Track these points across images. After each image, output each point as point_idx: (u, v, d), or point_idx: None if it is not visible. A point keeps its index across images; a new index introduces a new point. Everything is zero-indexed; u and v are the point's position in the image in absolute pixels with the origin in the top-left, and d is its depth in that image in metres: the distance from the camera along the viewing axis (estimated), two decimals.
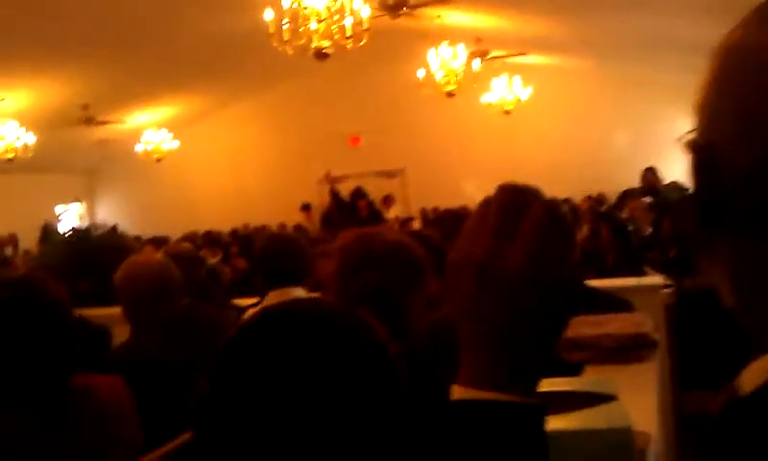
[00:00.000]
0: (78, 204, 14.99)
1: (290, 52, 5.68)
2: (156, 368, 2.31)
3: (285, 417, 0.79)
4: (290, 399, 0.80)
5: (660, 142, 9.50)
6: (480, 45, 9.62)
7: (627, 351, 2.18)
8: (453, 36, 8.93)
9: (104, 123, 11.35)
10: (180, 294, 2.71)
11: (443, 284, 1.31)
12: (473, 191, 10.64)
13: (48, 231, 10.00)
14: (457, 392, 0.58)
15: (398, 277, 1.74)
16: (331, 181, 10.68)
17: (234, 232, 11.12)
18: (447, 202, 10.55)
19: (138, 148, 12.57)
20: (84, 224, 13.54)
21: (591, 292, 2.84)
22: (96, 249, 4.98)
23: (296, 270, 3.12)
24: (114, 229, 6.45)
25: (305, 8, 5.36)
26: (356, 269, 1.74)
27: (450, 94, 9.15)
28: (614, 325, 2.28)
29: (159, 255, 2.92)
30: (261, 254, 3.36)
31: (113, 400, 1.83)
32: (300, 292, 3.03)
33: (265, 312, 0.91)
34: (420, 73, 9.17)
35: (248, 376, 0.82)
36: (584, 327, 2.22)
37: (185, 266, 3.09)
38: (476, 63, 9.23)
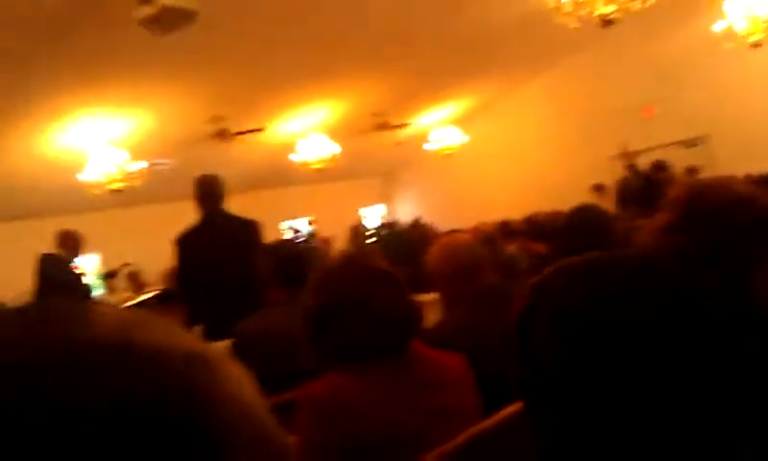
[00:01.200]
0: (380, 205, 16.19)
1: (573, 24, 5.49)
2: (467, 341, 2.37)
3: None
4: None
5: None
6: None
7: None
8: None
9: (395, 127, 12.11)
10: (488, 270, 2.75)
11: None
12: None
13: (357, 232, 10.93)
14: None
15: (740, 235, 1.43)
16: (627, 156, 10.05)
17: (528, 220, 11.09)
18: (763, 167, 9.34)
19: (428, 147, 13.21)
20: (388, 220, 14.52)
21: None
22: (403, 240, 5.29)
23: (602, 243, 2.97)
24: (417, 220, 6.81)
25: None
26: (685, 225, 1.49)
27: (756, 44, 8.11)
28: None
29: (466, 236, 2.99)
30: (565, 230, 3.25)
31: (451, 370, 1.91)
32: None
33: None
34: (718, 26, 8.28)
35: None
36: None
37: (490, 246, 3.13)
38: None
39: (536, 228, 9.41)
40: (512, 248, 8.52)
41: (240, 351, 2.50)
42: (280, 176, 12.30)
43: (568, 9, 5.37)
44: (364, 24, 7.98)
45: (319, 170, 11.03)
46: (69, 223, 6.31)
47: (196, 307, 4.12)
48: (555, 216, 10.37)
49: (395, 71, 10.05)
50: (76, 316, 0.38)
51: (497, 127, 14.17)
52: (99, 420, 0.32)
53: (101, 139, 8.61)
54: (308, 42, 7.99)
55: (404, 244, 4.93)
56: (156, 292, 6.31)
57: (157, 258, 6.93)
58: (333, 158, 11.03)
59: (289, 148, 11.05)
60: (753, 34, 8.06)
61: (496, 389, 1.98)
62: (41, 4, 5.48)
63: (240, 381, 0.39)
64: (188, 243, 4.25)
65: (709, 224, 1.46)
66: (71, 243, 5.93)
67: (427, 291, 2.94)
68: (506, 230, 9.45)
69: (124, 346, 0.36)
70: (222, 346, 2.33)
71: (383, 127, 11.80)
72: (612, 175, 11.03)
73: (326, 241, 11.44)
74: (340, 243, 11.14)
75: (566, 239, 3.25)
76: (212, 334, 3.02)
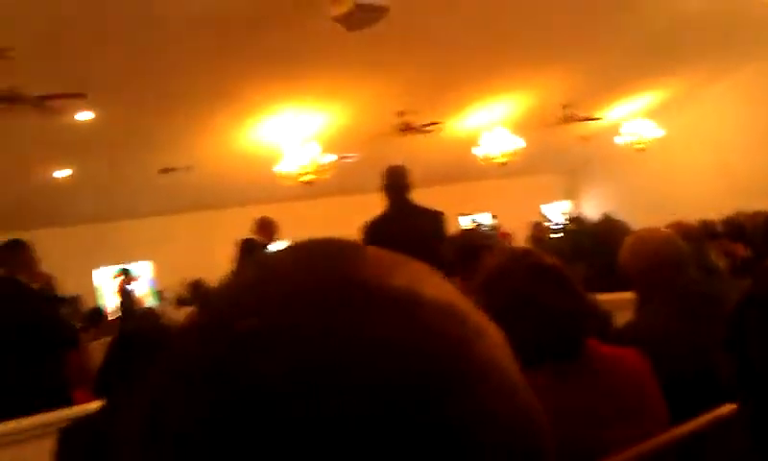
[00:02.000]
0: (563, 202, 15.71)
1: None
2: (666, 341, 2.20)
3: None
4: None
5: None
6: None
7: None
8: None
9: (584, 119, 11.66)
10: (688, 266, 2.54)
11: None
12: None
13: (539, 227, 10.68)
14: None
15: None
16: None
17: (727, 221, 10.24)
18: None
19: (619, 141, 12.58)
20: (575, 214, 14.08)
21: None
22: (592, 235, 5.07)
23: None
24: (607, 215, 6.49)
25: None
26: None
27: None
28: None
29: (667, 231, 2.78)
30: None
31: (632, 369, 1.78)
32: None
33: None
34: None
35: None
36: None
37: (694, 244, 2.89)
38: None
39: (736, 229, 8.68)
40: (712, 249, 7.91)
41: None
42: (462, 170, 12.31)
43: None
44: (548, 16, 7.75)
45: (501, 165, 10.89)
46: (263, 212, 6.73)
47: None
48: (755, 217, 9.50)
49: (582, 63, 9.68)
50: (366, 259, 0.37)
51: (695, 120, 13.19)
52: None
53: (295, 133, 9.11)
54: (491, 38, 7.93)
55: (594, 239, 4.71)
56: None
57: None
58: (516, 153, 10.84)
59: (472, 142, 11.02)
60: None
61: (691, 394, 1.82)
62: (239, 3, 5.88)
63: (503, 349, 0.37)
64: (376, 231, 4.35)
65: None
66: (267, 229, 6.32)
67: (620, 289, 2.78)
68: (707, 231, 8.80)
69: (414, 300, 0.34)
70: None
71: (571, 119, 11.41)
72: None
73: (507, 236, 11.29)
74: (520, 239, 10.96)
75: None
76: None
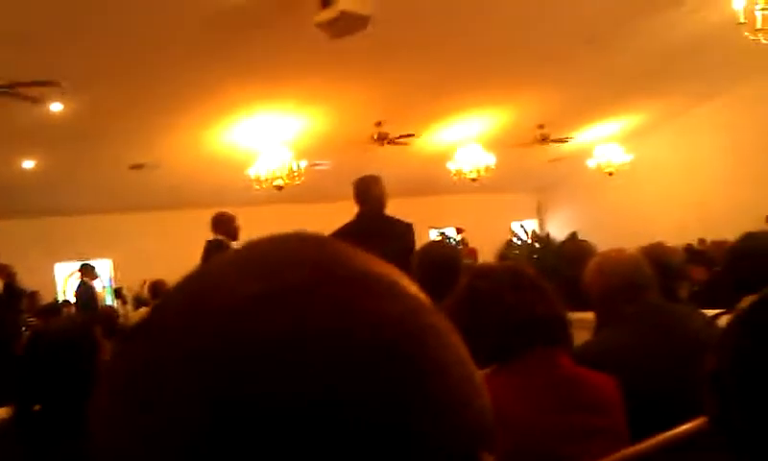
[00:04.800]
0: (531, 220, 15.85)
1: (764, 40, 5.06)
2: (624, 364, 2.21)
3: None
4: None
5: None
6: None
7: None
8: None
9: (556, 141, 11.80)
10: (651, 290, 2.57)
11: None
12: None
13: (508, 245, 10.77)
14: None
15: None
16: None
17: (688, 248, 10.43)
18: None
19: (590, 163, 12.76)
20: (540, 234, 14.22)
21: None
22: (558, 254, 5.11)
23: None
24: (574, 235, 6.57)
25: None
26: None
27: None
28: None
29: (632, 251, 2.81)
30: (733, 258, 2.97)
31: (602, 391, 1.80)
32: None
33: None
34: None
35: None
36: None
37: (656, 265, 2.92)
38: None
39: (697, 254, 8.84)
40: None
41: None
42: (432, 184, 12.36)
43: (760, 24, 4.96)
44: (528, 37, 7.84)
45: (471, 180, 10.96)
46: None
47: None
48: (720, 246, 9.68)
49: (559, 85, 9.80)
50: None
51: (664, 148, 13.44)
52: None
53: (270, 137, 9.06)
54: (473, 53, 8.00)
55: (559, 258, 4.75)
56: None
57: None
58: (488, 169, 10.92)
59: (444, 156, 11.08)
60: None
61: (649, 414, 1.83)
62: (223, 3, 5.84)
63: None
64: (343, 237, 4.33)
65: None
66: (227, 226, 5.88)
67: (582, 309, 2.80)
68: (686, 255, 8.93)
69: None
70: None
71: (544, 140, 11.54)
72: None
73: (473, 252, 11.34)
74: (487, 255, 11.00)
75: (734, 268, 2.98)
76: None
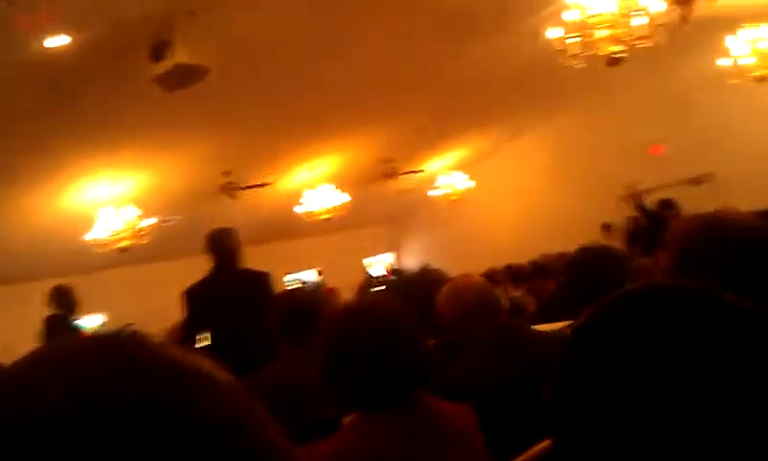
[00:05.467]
0: (388, 254, 16.15)
1: (580, 65, 5.52)
2: (475, 389, 2.28)
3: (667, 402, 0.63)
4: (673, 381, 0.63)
5: None
6: None
7: None
8: (752, 16, 7.99)
9: (403, 174, 12.16)
10: (500, 311, 2.69)
11: None
12: None
13: (365, 282, 10.89)
14: None
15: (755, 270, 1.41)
16: (635, 196, 10.05)
17: (533, 264, 11.00)
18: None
19: (434, 193, 13.24)
20: (395, 267, 14.51)
21: None
22: (412, 283, 5.22)
23: (612, 281, 2.91)
24: (425, 266, 6.75)
25: (593, 16, 5.19)
26: (700, 262, 1.46)
27: (762, 79, 8.13)
28: None
29: (477, 278, 2.93)
30: (570, 270, 3.18)
31: (460, 423, 1.83)
32: None
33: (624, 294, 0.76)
34: (722, 62, 8.33)
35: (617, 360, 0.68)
36: None
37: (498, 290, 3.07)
38: None
39: (541, 269, 9.32)
40: (518, 292, 8.47)
41: None
42: (287, 228, 12.30)
43: (575, 50, 5.40)
44: (366, 77, 8.06)
45: (325, 220, 11.02)
46: (74, 283, 5.93)
47: None
48: (562, 257, 10.28)
49: (400, 120, 10.13)
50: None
51: (504, 171, 14.21)
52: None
53: (109, 196, 8.63)
54: (313, 100, 8.09)
55: (412, 290, 4.86)
56: None
57: (164, 317, 6.86)
58: (341, 208, 11.04)
59: (295, 200, 11.08)
60: (757, 69, 8.10)
61: (505, 439, 1.91)
62: (55, 61, 5.52)
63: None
64: (197, 295, 4.20)
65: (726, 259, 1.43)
66: (65, 300, 5.54)
67: (436, 337, 2.87)
68: (513, 274, 9.37)
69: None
70: None
71: (391, 174, 11.85)
72: (619, 214, 11.02)
73: (333, 291, 11.37)
74: (347, 293, 11.07)
75: (572, 282, 3.19)
76: None
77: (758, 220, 1.57)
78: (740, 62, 8.11)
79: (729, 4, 7.41)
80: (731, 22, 7.99)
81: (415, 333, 1.81)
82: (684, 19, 6.27)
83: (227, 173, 9.52)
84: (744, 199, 10.18)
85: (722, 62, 8.31)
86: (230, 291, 4.13)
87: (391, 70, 8.08)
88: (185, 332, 4.40)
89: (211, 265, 4.33)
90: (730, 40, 8.13)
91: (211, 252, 4.32)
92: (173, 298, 4.46)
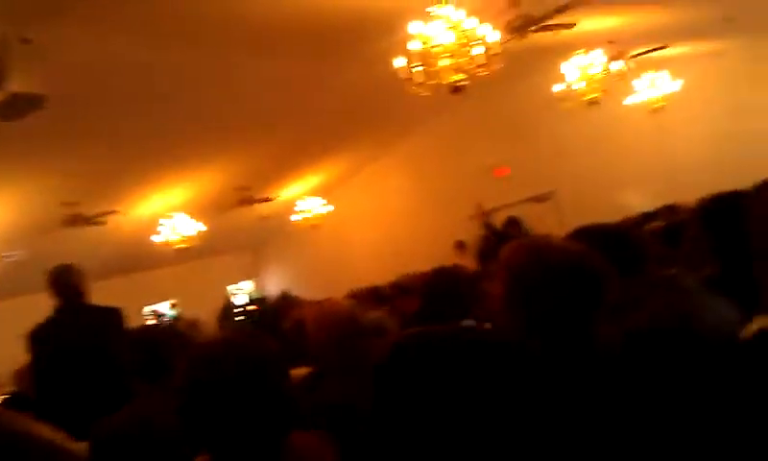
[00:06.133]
0: (249, 281, 15.87)
1: (425, 93, 5.73)
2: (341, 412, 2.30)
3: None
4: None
5: None
6: (614, 47, 9.25)
7: None
8: (584, 43, 8.67)
9: (261, 201, 12.04)
10: (365, 337, 2.73)
11: None
12: (630, 201, 10.14)
13: (225, 312, 10.63)
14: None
15: (579, 294, 1.55)
16: (483, 214, 10.57)
17: (394, 285, 11.20)
18: (605, 217, 10.00)
19: (294, 218, 13.21)
20: (257, 295, 14.28)
21: None
22: (272, 314, 5.20)
23: (462, 302, 3.06)
24: (284, 293, 6.74)
25: (435, 46, 5.42)
26: (530, 288, 1.58)
27: (593, 102, 8.82)
28: None
29: (343, 303, 2.96)
30: (422, 295, 3.30)
31: (315, 453, 1.81)
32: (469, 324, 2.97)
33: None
34: (557, 87, 8.95)
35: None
36: None
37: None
38: (617, 65, 8.86)
39: (401, 290, 9.52)
40: (379, 312, 8.56)
41: (98, 455, 2.29)
42: (142, 259, 11.81)
43: (419, 79, 5.60)
44: (218, 105, 7.95)
45: (182, 250, 10.69)
46: None
47: (51, 408, 3.75)
48: (420, 277, 10.54)
49: (255, 148, 10.06)
50: None
51: (361, 195, 14.45)
52: None
53: None
54: (160, 126, 7.87)
55: (273, 318, 4.84)
56: (5, 397, 5.71)
57: (9, 359, 6.34)
58: (197, 237, 10.75)
59: (149, 230, 10.66)
60: (589, 93, 8.75)
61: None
62: None
63: None
64: (42, 337, 3.94)
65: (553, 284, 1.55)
66: None
67: (297, 365, 2.85)
68: (377, 296, 9.50)
69: None
70: (82, 447, 2.11)
71: (247, 201, 11.69)
72: (473, 232, 11.53)
73: (193, 324, 11.00)
74: (208, 324, 10.74)
75: (430, 303, 3.33)
76: (71, 436, 2.77)
77: (577, 245, 1.69)
78: (574, 87, 8.73)
79: (564, 32, 8.03)
80: (564, 49, 8.61)
81: (281, 373, 1.72)
82: (513, 3, 6.64)
83: (70, 204, 8.99)
84: (581, 212, 11.01)
85: (557, 87, 8.91)
86: (75, 331, 3.91)
87: (242, 99, 8.02)
88: (31, 378, 4.10)
89: (55, 304, 4.09)
90: (564, 66, 8.74)
91: (53, 290, 4.07)
92: (17, 337, 4.16)
